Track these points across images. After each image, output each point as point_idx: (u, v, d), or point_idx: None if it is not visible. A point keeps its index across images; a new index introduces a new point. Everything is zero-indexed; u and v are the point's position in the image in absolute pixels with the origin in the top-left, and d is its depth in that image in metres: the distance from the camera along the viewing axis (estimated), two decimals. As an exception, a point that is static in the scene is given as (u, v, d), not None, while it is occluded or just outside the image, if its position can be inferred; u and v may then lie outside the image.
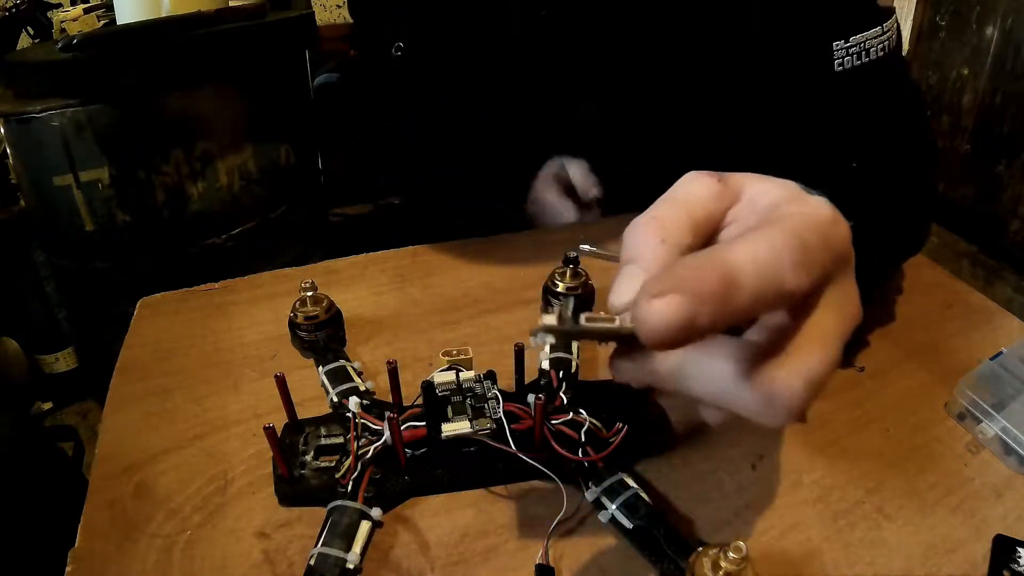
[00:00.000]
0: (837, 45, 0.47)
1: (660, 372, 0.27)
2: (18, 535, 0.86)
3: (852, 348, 0.50)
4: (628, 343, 0.27)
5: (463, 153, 0.68)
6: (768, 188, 0.29)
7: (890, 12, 0.49)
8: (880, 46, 0.47)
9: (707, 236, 0.28)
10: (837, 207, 0.33)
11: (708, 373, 0.26)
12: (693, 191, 0.28)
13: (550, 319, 0.25)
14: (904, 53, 1.33)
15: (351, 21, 0.74)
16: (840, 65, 0.47)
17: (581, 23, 0.56)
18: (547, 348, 0.47)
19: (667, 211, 0.28)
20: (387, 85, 0.64)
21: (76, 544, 0.37)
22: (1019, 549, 0.36)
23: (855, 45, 0.47)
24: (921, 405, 0.45)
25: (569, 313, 0.25)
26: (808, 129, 0.51)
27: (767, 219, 0.26)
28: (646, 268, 0.26)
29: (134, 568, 0.36)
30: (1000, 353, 0.46)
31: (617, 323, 0.25)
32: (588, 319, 0.25)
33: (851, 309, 0.28)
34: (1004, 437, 0.41)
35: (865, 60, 0.47)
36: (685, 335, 0.23)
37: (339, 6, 2.02)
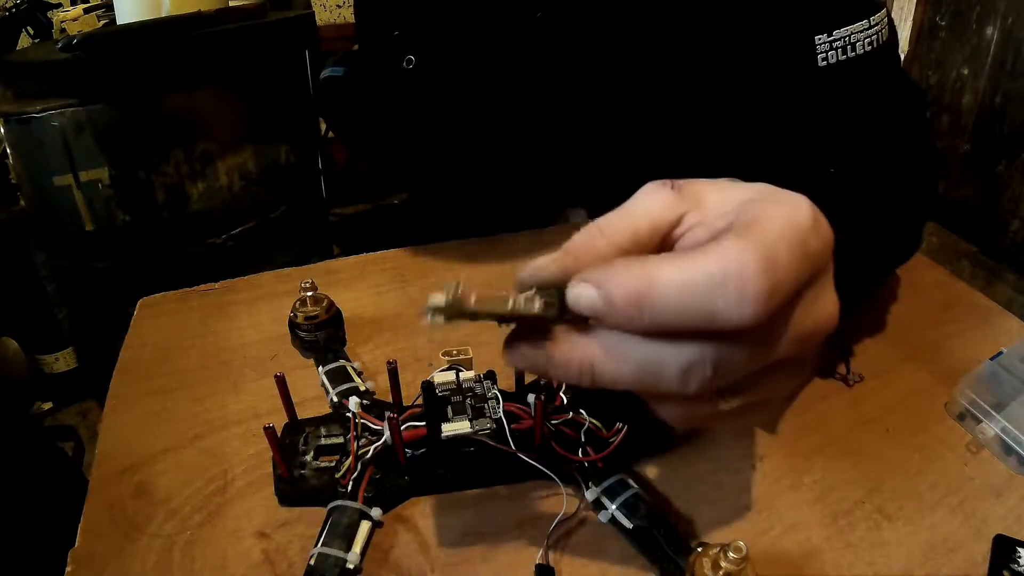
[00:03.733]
0: (820, 39, 0.46)
1: (559, 359, 0.26)
2: (18, 535, 0.86)
3: (848, 352, 0.50)
4: (526, 325, 0.26)
5: (469, 154, 0.68)
6: (734, 193, 0.28)
7: (879, 5, 0.48)
8: (867, 40, 0.46)
9: (652, 242, 0.28)
10: (820, 209, 0.33)
11: (619, 355, 0.25)
12: (641, 202, 0.28)
13: (438, 298, 0.24)
14: (904, 53, 1.33)
15: (352, 22, 0.74)
16: (824, 60, 0.46)
17: (575, 23, 0.56)
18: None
19: (610, 218, 0.28)
20: (397, 94, 0.65)
21: (76, 544, 0.37)
22: (1019, 549, 0.36)
23: (839, 39, 0.46)
24: (921, 405, 0.45)
25: (458, 292, 0.24)
26: (793, 128, 0.50)
27: (739, 223, 0.25)
28: (573, 252, 0.27)
29: (134, 568, 0.36)
30: (1000, 353, 0.46)
31: (510, 305, 0.25)
32: (479, 300, 0.25)
33: (822, 314, 0.26)
34: (1004, 437, 0.41)
35: (851, 55, 0.46)
36: (599, 321, 0.25)
37: (339, 6, 2.02)
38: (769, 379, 0.27)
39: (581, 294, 0.25)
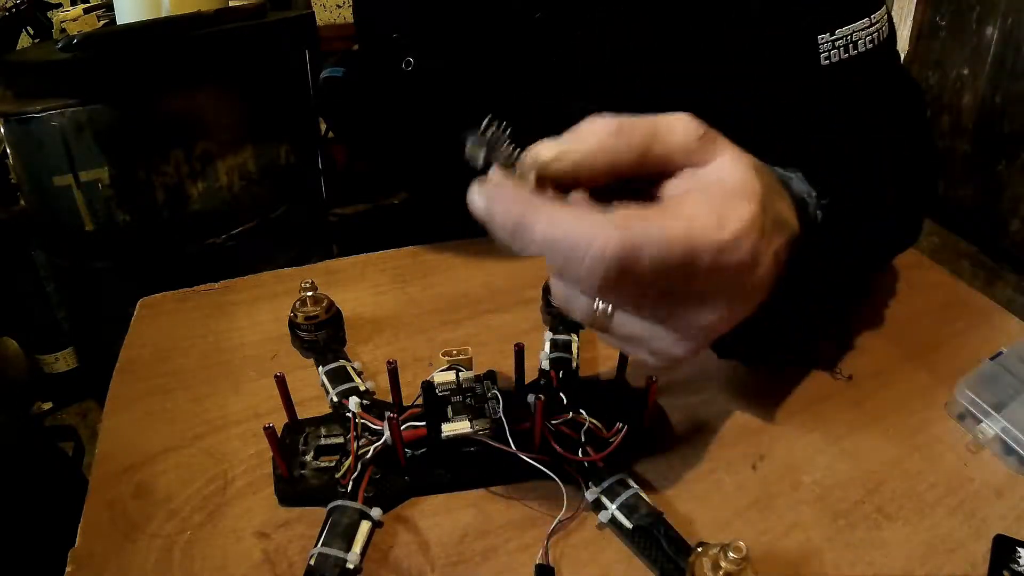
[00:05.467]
0: (822, 38, 0.46)
1: (498, 204, 0.29)
2: (18, 535, 0.86)
3: (844, 352, 0.50)
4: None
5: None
6: (733, 177, 0.29)
7: (879, 2, 0.48)
8: (869, 38, 0.47)
9: (654, 166, 0.29)
10: (821, 204, 0.34)
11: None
12: (672, 126, 0.30)
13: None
14: (904, 53, 1.33)
15: (352, 22, 0.74)
16: (827, 59, 0.46)
17: (574, 24, 0.56)
18: (547, 347, 0.47)
19: (637, 122, 0.29)
20: (396, 95, 0.65)
21: (76, 544, 0.37)
22: (1019, 549, 0.36)
23: (841, 38, 0.46)
24: (921, 405, 0.45)
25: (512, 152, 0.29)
26: (796, 126, 0.51)
27: (653, 206, 0.28)
28: (578, 137, 0.29)
29: (134, 568, 0.36)
30: (1000, 353, 0.46)
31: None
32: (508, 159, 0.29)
33: (697, 319, 0.29)
34: (1004, 437, 0.41)
35: (853, 53, 0.46)
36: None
37: (339, 6, 2.02)
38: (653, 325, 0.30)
39: (473, 201, 0.28)
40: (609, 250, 0.25)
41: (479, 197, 0.28)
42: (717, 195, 0.29)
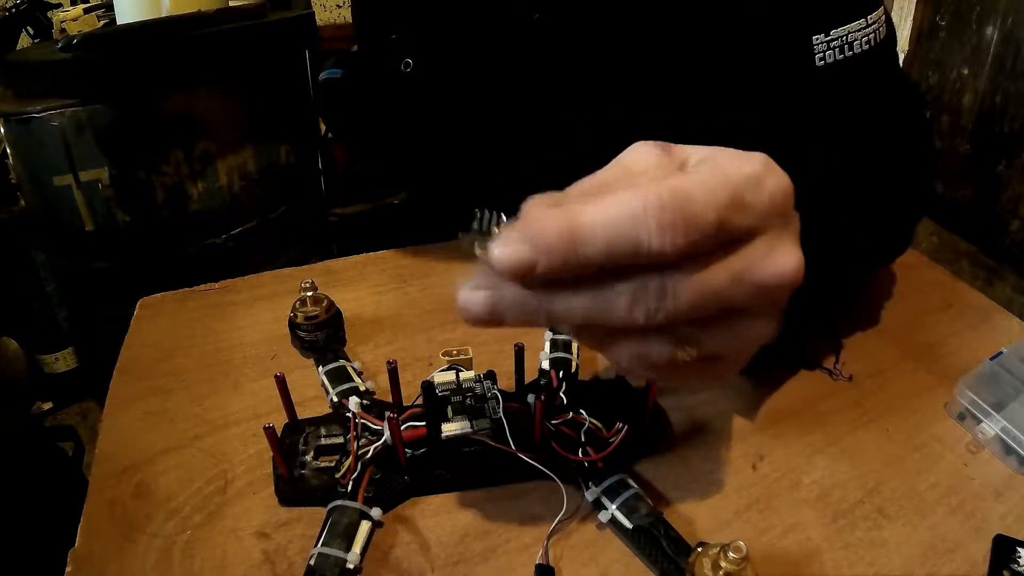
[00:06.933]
0: (817, 39, 0.45)
1: (511, 296, 0.26)
2: (18, 535, 0.86)
3: (844, 352, 0.50)
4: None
5: (468, 156, 0.68)
6: (710, 151, 0.28)
7: (876, 3, 0.48)
8: (865, 39, 0.46)
9: None
10: (814, 205, 0.33)
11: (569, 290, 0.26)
12: (636, 157, 0.29)
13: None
14: (903, 53, 1.33)
15: (351, 22, 0.74)
16: (822, 60, 0.46)
17: (572, 25, 0.56)
18: (547, 347, 0.47)
19: (609, 173, 0.28)
20: (395, 97, 0.65)
21: (76, 544, 0.37)
22: (1019, 549, 0.36)
23: (837, 39, 0.45)
24: (921, 405, 0.45)
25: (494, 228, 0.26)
26: (790, 128, 0.50)
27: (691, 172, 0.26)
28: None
29: (134, 568, 0.36)
30: (1000, 353, 0.46)
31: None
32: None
33: (775, 265, 0.26)
34: (1004, 437, 0.41)
35: (849, 54, 0.46)
36: (529, 277, 0.25)
37: (339, 6, 2.02)
38: (725, 330, 0.27)
39: (499, 255, 0.24)
40: (665, 198, 0.23)
41: (506, 245, 0.24)
42: (718, 152, 0.27)
